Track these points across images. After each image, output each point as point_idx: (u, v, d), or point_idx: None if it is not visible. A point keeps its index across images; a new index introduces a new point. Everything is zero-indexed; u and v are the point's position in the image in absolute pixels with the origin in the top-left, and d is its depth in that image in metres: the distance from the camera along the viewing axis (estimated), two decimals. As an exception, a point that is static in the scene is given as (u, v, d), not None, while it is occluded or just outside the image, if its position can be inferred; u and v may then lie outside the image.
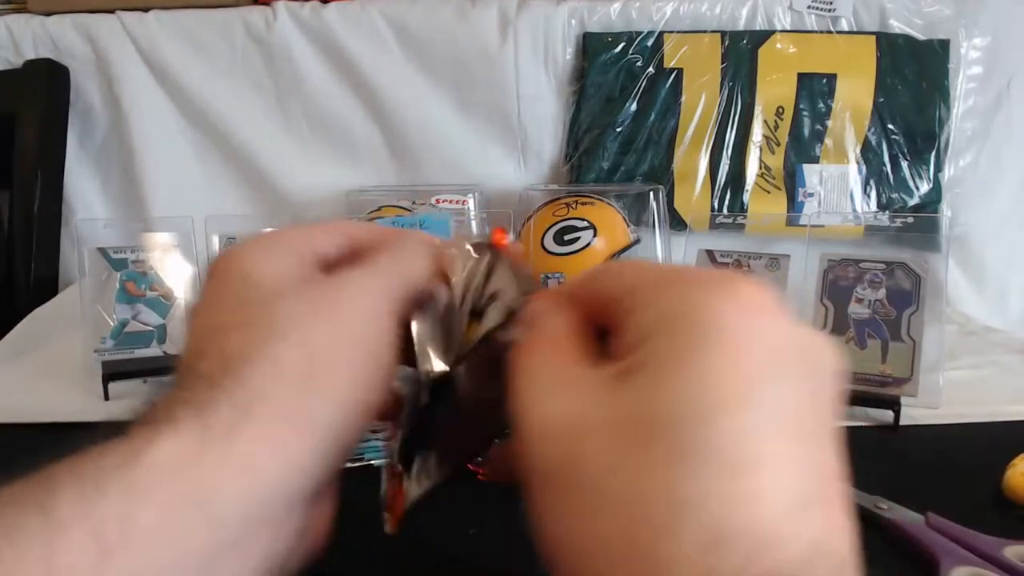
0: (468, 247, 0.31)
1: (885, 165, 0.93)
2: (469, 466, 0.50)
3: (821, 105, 0.93)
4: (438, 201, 0.90)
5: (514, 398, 0.24)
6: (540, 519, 0.22)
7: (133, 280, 0.69)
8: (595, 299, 0.25)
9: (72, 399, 0.64)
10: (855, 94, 0.92)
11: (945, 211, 0.93)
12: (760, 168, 0.94)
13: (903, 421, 0.57)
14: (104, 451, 0.22)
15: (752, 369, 0.19)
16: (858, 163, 0.93)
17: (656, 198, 0.90)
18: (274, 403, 0.24)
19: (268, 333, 0.25)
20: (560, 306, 0.26)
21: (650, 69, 0.93)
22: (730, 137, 0.93)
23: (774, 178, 0.94)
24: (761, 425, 0.19)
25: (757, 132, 0.93)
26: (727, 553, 0.17)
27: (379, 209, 0.89)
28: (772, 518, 0.18)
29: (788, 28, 0.94)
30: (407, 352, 0.30)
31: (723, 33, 0.93)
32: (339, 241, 0.30)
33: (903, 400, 0.57)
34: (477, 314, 0.30)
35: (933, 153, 0.92)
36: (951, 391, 0.60)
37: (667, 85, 0.93)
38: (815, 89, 0.92)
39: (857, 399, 0.58)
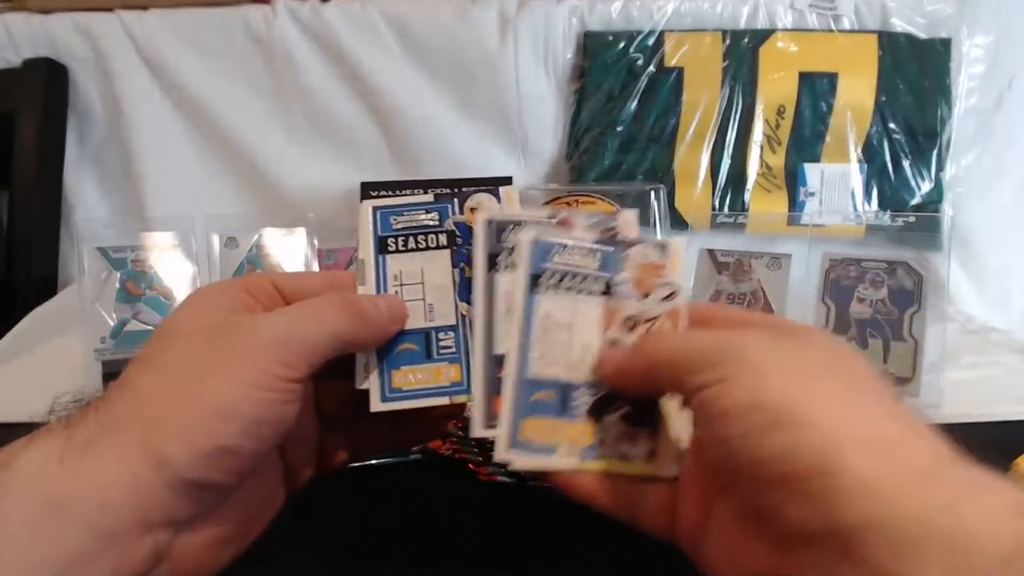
0: None
1: (887, 164, 0.92)
2: (470, 466, 0.50)
3: (822, 104, 0.92)
4: (438, 200, 0.90)
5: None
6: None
7: (133, 280, 0.68)
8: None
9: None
10: (857, 93, 0.92)
11: (947, 210, 0.92)
12: (761, 167, 0.93)
13: (905, 421, 0.57)
14: None
15: None
16: (859, 162, 0.92)
17: (657, 197, 0.90)
18: (129, 429, 0.25)
19: (148, 365, 0.27)
20: None
21: (651, 68, 0.93)
22: (731, 136, 0.93)
23: (775, 177, 0.94)
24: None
25: (758, 131, 0.93)
26: None
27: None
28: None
29: (789, 27, 0.94)
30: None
31: (724, 32, 0.93)
32: (268, 290, 0.31)
33: (905, 400, 0.57)
34: None
35: (935, 152, 0.92)
36: (953, 391, 0.60)
37: (668, 84, 0.93)
38: (816, 88, 0.92)
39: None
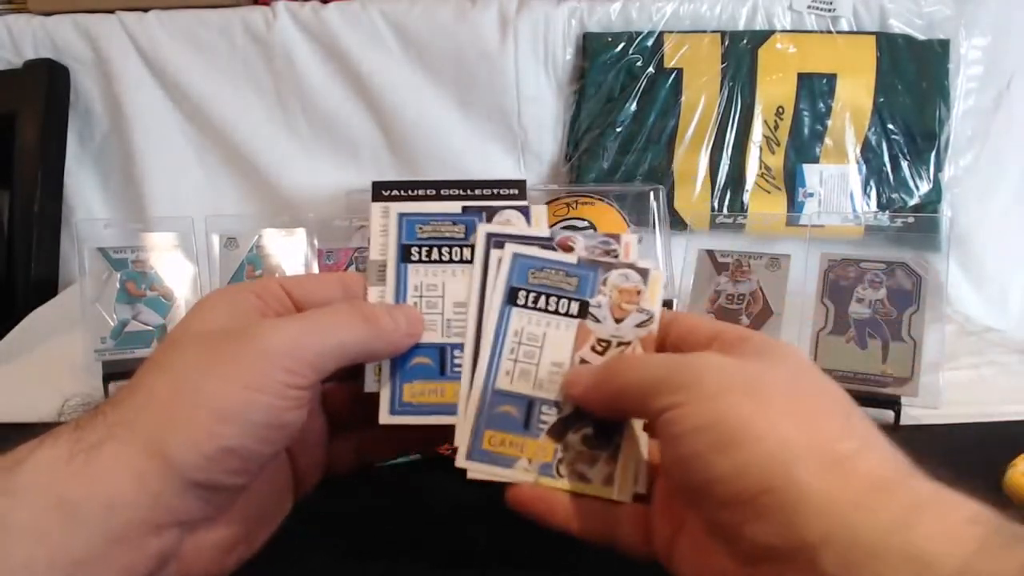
0: None
1: (885, 165, 0.93)
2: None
3: (821, 105, 0.93)
4: (438, 201, 0.90)
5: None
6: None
7: (133, 280, 0.68)
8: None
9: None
10: (855, 94, 0.92)
11: (945, 211, 0.93)
12: (760, 168, 0.94)
13: (903, 421, 0.57)
14: (3, 455, 0.24)
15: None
16: (858, 163, 0.93)
17: (656, 198, 0.90)
18: (136, 430, 0.25)
19: (158, 369, 0.27)
20: None
21: (650, 69, 0.93)
22: (730, 137, 0.93)
23: (774, 178, 0.94)
24: None
25: (757, 132, 0.93)
26: None
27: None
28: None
29: (788, 28, 0.94)
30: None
31: (723, 33, 0.93)
32: (279, 295, 0.31)
33: (903, 400, 0.57)
34: None
35: (933, 153, 0.92)
36: (951, 391, 0.60)
37: (667, 85, 0.93)
38: (815, 89, 0.92)
39: (858, 399, 0.58)
